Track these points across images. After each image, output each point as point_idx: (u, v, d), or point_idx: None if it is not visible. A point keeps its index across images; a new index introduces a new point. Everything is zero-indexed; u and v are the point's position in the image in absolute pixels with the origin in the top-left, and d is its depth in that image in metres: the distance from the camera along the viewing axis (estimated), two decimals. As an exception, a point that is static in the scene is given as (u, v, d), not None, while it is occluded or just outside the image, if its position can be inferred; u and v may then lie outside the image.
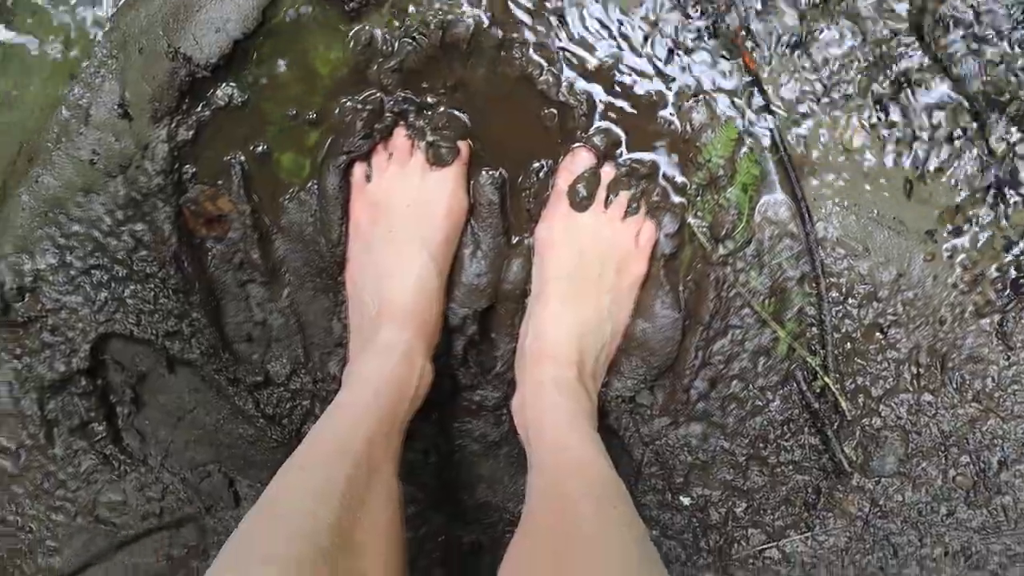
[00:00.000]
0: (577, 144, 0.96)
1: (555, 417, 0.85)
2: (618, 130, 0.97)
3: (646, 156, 0.97)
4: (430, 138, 0.95)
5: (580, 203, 0.96)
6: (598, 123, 0.97)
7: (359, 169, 0.96)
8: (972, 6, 0.98)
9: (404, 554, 0.75)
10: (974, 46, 0.97)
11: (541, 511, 0.74)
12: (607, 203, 0.97)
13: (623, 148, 0.98)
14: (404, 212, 0.95)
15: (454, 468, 1.06)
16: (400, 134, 0.95)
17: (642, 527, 0.70)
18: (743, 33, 0.97)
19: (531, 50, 0.96)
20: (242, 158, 0.97)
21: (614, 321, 0.97)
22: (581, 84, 0.97)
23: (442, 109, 0.96)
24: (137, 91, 0.94)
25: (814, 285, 1.00)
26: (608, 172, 0.96)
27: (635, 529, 0.70)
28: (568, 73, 0.97)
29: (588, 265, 0.95)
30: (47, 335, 0.99)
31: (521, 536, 0.71)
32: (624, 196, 0.97)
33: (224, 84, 0.96)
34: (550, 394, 0.88)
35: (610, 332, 0.97)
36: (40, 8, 0.97)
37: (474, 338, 1.01)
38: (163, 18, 0.94)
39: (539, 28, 0.96)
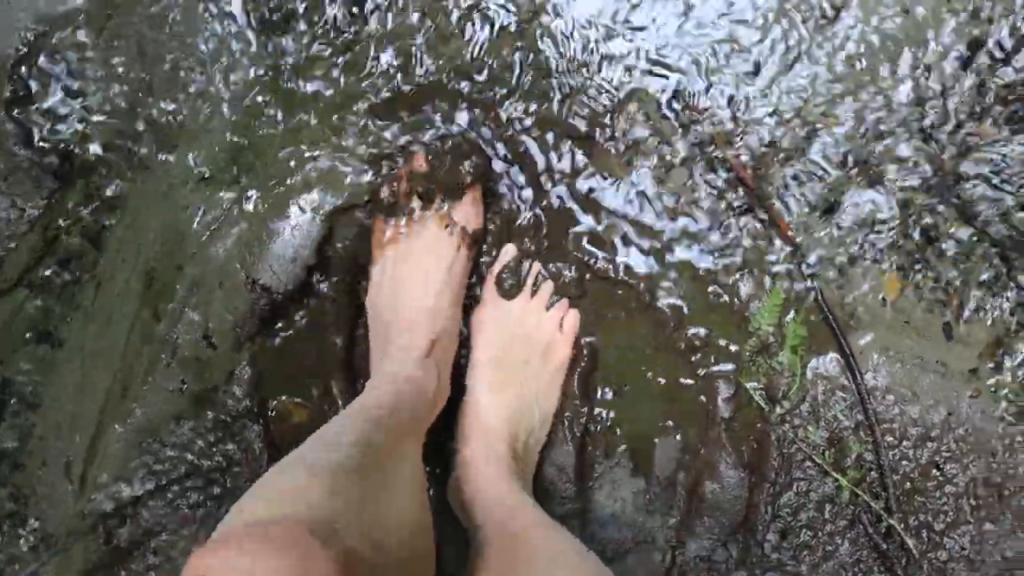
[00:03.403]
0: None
1: (489, 484, 0.90)
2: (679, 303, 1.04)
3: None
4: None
5: (508, 291, 1.03)
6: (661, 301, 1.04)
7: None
8: (991, 159, 1.04)
9: (428, 516, 0.78)
10: (994, 195, 1.04)
11: (488, 553, 0.79)
12: (534, 293, 1.03)
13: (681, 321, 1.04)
14: (421, 235, 1.00)
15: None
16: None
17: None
18: (778, 205, 1.04)
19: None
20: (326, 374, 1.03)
21: (541, 406, 1.02)
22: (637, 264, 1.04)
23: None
24: (220, 322, 1.00)
25: (869, 433, 1.06)
26: (536, 265, 1.04)
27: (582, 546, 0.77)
28: (621, 258, 1.03)
29: (514, 350, 1.01)
30: (151, 557, 1.03)
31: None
32: (548, 286, 1.03)
33: (301, 308, 1.02)
34: (483, 466, 0.93)
35: (539, 417, 1.02)
36: (125, 242, 1.03)
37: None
38: (240, 253, 1.00)
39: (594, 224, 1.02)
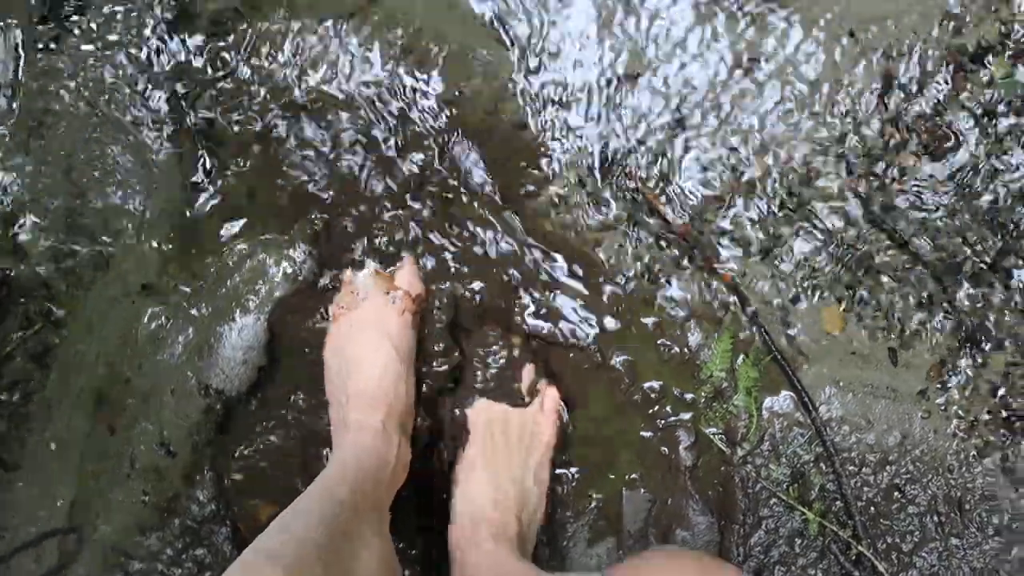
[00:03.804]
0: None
1: (499, 566, 0.91)
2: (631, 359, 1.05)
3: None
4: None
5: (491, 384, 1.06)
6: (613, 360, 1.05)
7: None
8: (915, 187, 1.08)
9: None
10: (921, 221, 1.07)
11: None
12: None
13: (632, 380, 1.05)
14: (363, 307, 1.01)
15: None
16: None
17: None
18: (716, 253, 1.06)
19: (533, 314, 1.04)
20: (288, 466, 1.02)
21: (537, 484, 1.04)
22: (586, 330, 1.05)
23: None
24: (175, 429, 1.00)
25: (830, 464, 1.08)
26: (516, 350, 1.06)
27: None
28: (566, 324, 1.05)
29: (503, 437, 1.03)
30: (130, 674, 1.02)
31: None
32: (529, 369, 1.05)
33: (258, 407, 1.01)
34: (498, 559, 0.93)
35: (536, 496, 1.03)
36: (71, 360, 1.02)
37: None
38: (189, 359, 1.00)
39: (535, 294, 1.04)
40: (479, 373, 1.04)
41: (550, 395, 1.05)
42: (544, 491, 1.05)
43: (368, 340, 0.99)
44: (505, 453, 1.02)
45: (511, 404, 1.04)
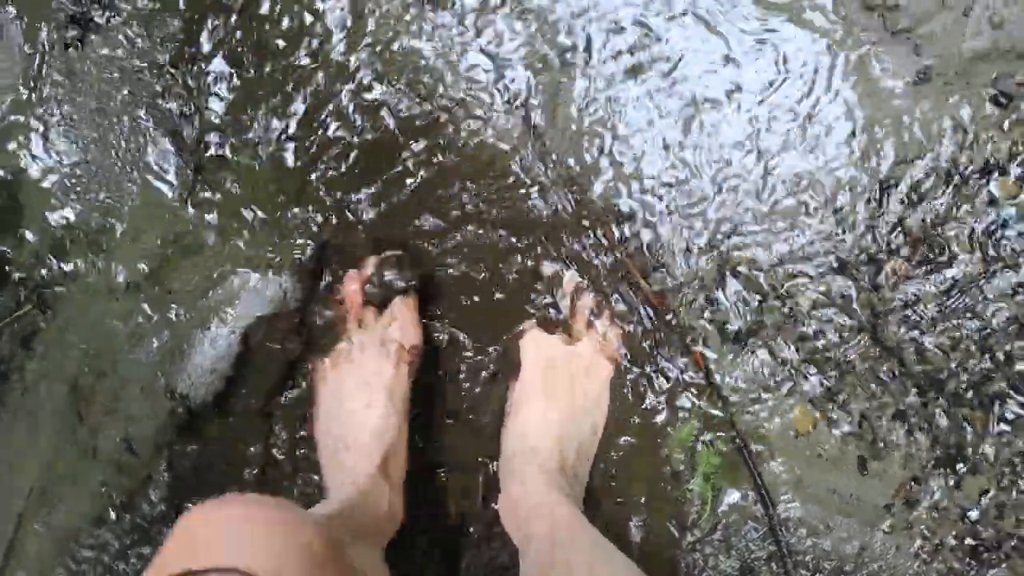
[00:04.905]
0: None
1: (538, 498, 0.91)
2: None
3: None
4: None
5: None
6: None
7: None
8: (906, 296, 1.06)
9: None
10: (909, 331, 1.05)
11: (536, 569, 0.81)
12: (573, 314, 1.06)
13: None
14: (361, 357, 1.02)
15: None
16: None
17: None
18: (693, 336, 1.06)
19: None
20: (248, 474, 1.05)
21: (592, 420, 1.03)
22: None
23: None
24: (140, 428, 1.03)
25: (781, 565, 1.05)
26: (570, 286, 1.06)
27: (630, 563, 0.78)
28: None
29: (559, 369, 1.02)
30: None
31: None
32: (587, 302, 1.04)
33: (218, 418, 1.04)
34: (539, 490, 0.93)
35: (589, 430, 1.03)
36: (53, 345, 1.07)
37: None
38: (161, 361, 1.03)
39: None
40: (534, 303, 1.04)
41: (612, 332, 1.04)
42: (599, 425, 1.05)
43: (362, 390, 1.00)
44: (558, 386, 1.02)
45: (566, 337, 1.04)
